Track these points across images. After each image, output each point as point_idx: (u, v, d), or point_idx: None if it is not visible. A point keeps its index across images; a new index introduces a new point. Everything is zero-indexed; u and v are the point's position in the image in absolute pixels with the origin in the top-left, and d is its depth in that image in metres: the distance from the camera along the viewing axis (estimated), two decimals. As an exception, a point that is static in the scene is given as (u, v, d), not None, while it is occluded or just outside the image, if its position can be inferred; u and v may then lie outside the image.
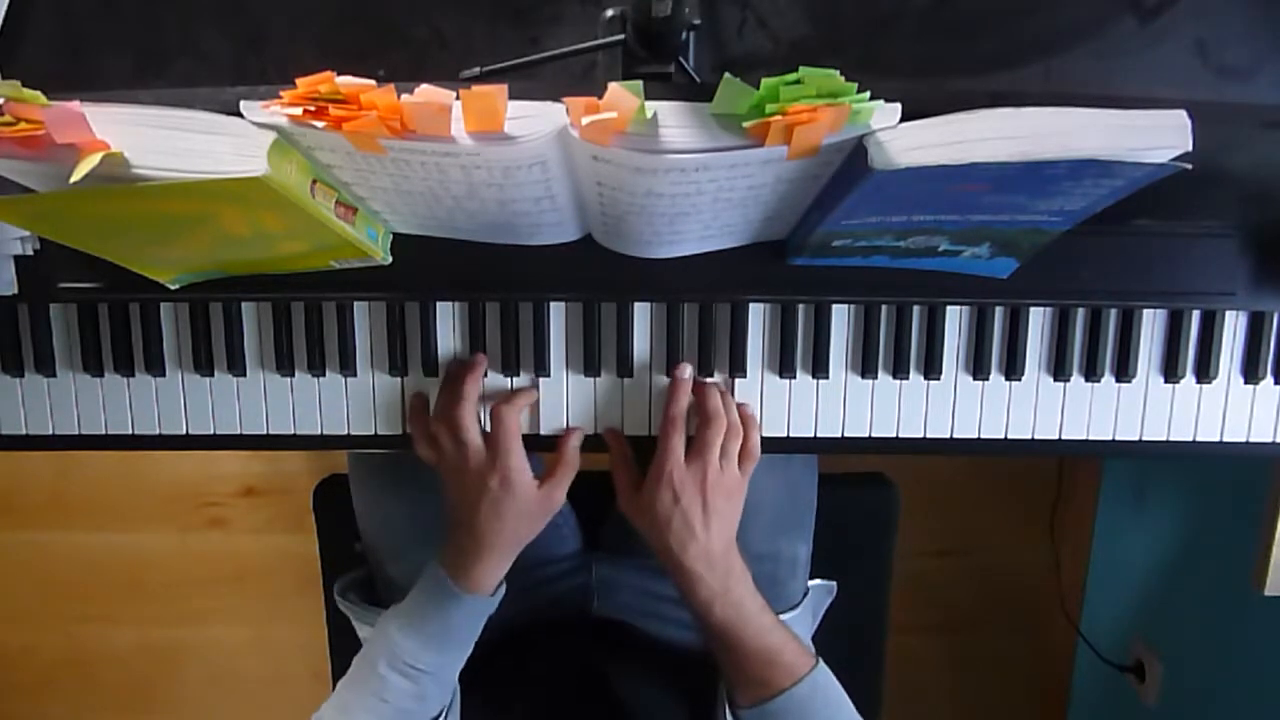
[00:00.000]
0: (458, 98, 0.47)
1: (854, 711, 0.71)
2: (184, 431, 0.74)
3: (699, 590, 0.69)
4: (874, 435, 0.74)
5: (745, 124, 0.46)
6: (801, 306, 0.72)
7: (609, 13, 0.59)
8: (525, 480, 0.69)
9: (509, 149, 0.49)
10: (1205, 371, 0.73)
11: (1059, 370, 0.73)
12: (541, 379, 0.73)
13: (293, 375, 0.73)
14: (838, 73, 0.46)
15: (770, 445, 0.74)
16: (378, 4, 0.64)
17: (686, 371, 0.71)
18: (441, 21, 0.64)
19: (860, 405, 0.74)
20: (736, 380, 0.73)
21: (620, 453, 0.73)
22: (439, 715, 0.72)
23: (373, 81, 0.48)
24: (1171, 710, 1.33)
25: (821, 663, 0.71)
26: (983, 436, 0.74)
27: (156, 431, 0.74)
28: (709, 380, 0.72)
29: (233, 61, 0.64)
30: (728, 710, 0.73)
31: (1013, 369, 0.73)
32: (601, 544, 0.94)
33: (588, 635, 0.87)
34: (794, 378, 0.73)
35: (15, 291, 0.69)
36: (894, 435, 0.74)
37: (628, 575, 0.90)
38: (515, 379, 0.72)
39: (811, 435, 0.74)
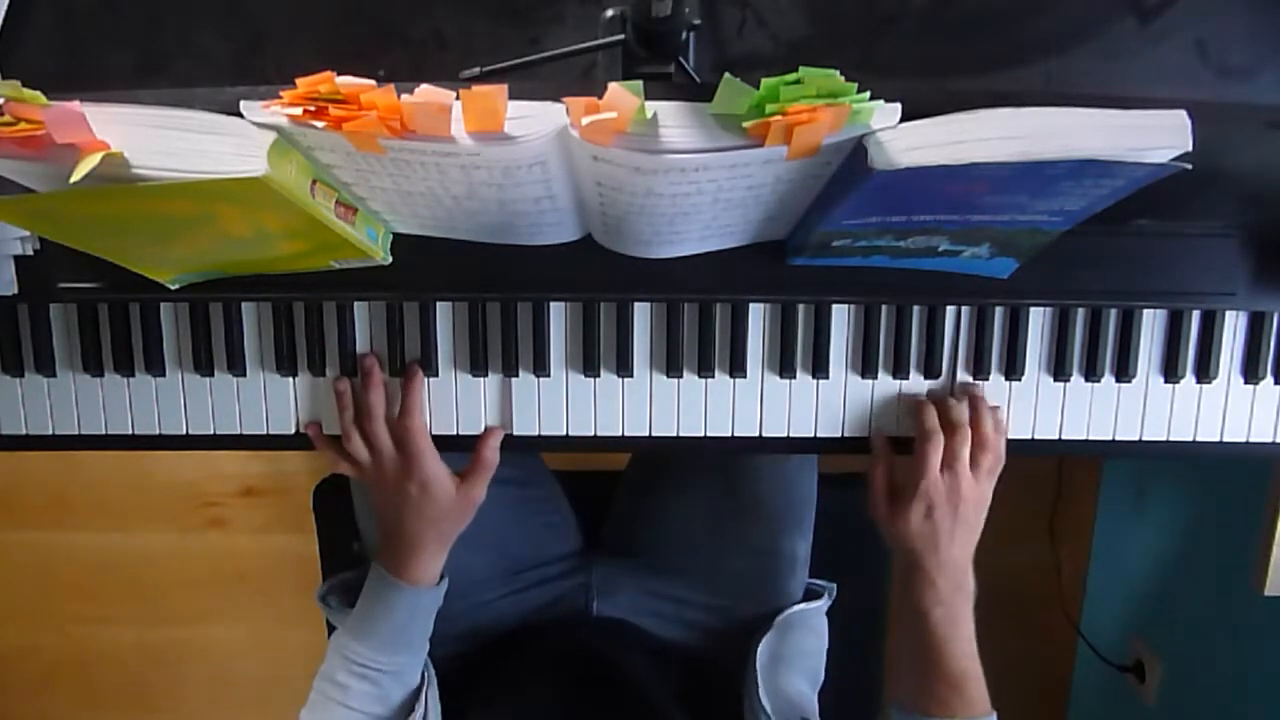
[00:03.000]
0: (458, 98, 0.47)
1: None
2: (184, 431, 0.74)
3: (926, 594, 0.70)
4: (874, 435, 0.74)
5: (745, 124, 0.46)
6: (801, 306, 0.72)
7: (609, 13, 0.59)
8: (442, 482, 0.71)
9: (509, 149, 0.49)
10: (1205, 371, 0.73)
11: (1059, 370, 0.73)
12: (541, 379, 0.73)
13: (293, 375, 0.73)
14: (838, 73, 0.46)
15: (770, 445, 0.74)
16: (378, 4, 0.64)
17: (930, 395, 0.72)
18: (441, 21, 0.64)
19: (860, 405, 0.74)
20: (736, 380, 0.73)
21: (884, 457, 0.73)
22: (411, 713, 0.73)
23: (373, 81, 0.48)
24: (1171, 710, 1.33)
25: (995, 717, 0.72)
26: (983, 436, 0.74)
27: (156, 431, 0.74)
28: (954, 394, 0.72)
29: (233, 61, 0.64)
30: (759, 682, 0.73)
31: (1013, 369, 0.73)
32: (602, 544, 0.94)
33: (588, 635, 0.87)
34: (794, 378, 0.73)
35: (15, 291, 0.69)
36: (894, 435, 0.74)
37: (628, 575, 0.90)
38: (514, 379, 0.72)
39: (811, 435, 0.74)
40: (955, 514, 0.69)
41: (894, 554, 0.73)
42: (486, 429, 0.73)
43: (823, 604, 0.87)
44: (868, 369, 0.73)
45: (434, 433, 0.72)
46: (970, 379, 0.73)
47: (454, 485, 0.71)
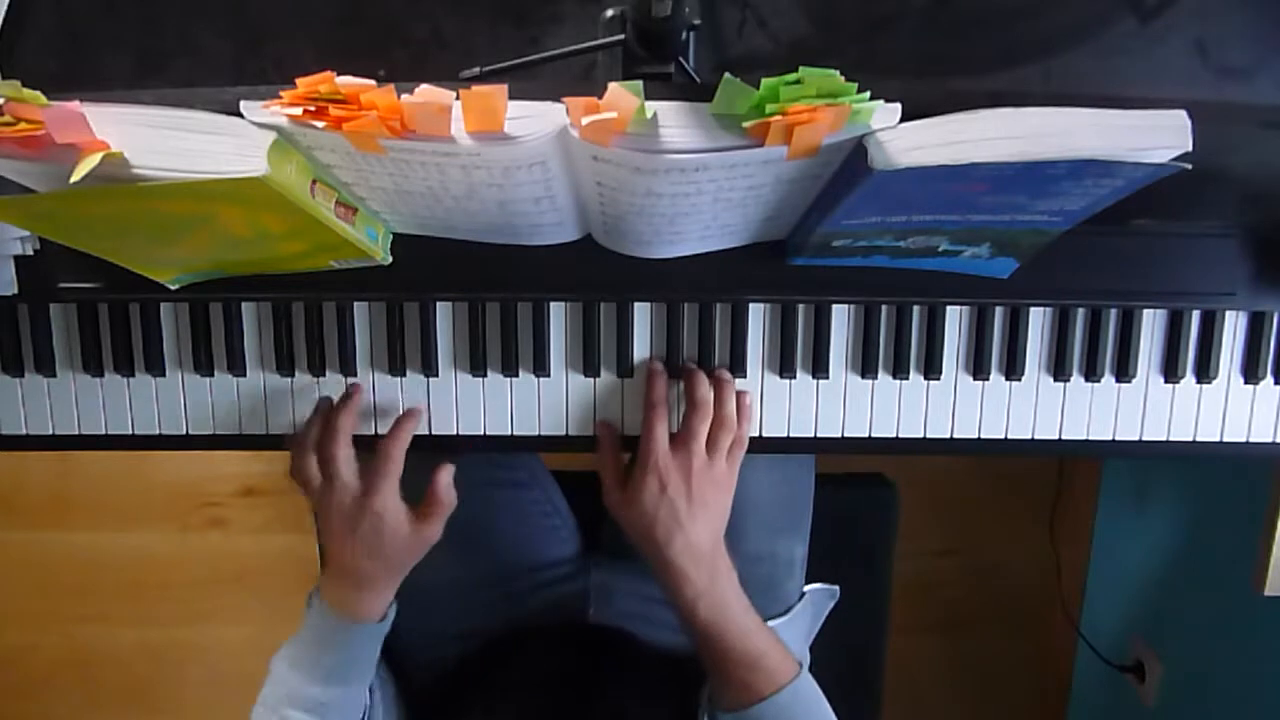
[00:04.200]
0: (458, 98, 0.47)
1: None
2: (184, 431, 0.74)
3: (684, 588, 0.68)
4: (874, 435, 0.74)
5: (745, 124, 0.46)
6: (801, 306, 0.72)
7: (609, 13, 0.59)
8: (396, 520, 0.67)
9: (509, 149, 0.49)
10: (1205, 371, 0.73)
11: (1059, 370, 0.73)
12: (541, 379, 0.73)
13: (293, 375, 0.73)
14: (838, 73, 0.46)
15: (770, 445, 0.74)
16: (378, 4, 0.64)
17: (659, 365, 0.71)
18: (441, 21, 0.64)
19: (860, 405, 0.74)
20: (736, 380, 0.73)
21: (610, 445, 0.72)
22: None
23: (373, 81, 0.48)
24: (1171, 710, 1.33)
25: (805, 671, 0.70)
26: (983, 436, 0.74)
27: (156, 431, 0.74)
28: (699, 370, 0.71)
29: (233, 61, 0.64)
30: (707, 714, 0.72)
31: (1013, 369, 0.73)
32: (600, 548, 0.94)
33: (584, 641, 0.87)
34: (794, 378, 0.73)
35: (15, 291, 0.69)
36: (894, 435, 0.74)
37: (625, 580, 0.89)
38: (514, 379, 0.72)
39: (811, 435, 0.74)
40: (691, 493, 0.67)
41: (643, 554, 0.70)
42: (436, 465, 0.71)
43: (793, 616, 0.86)
44: (868, 369, 0.73)
45: (434, 433, 0.72)
46: (970, 379, 0.73)
47: (409, 522, 0.68)
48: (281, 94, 0.48)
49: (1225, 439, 0.75)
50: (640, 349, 0.72)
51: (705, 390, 0.69)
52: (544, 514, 0.92)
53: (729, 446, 0.69)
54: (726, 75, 0.47)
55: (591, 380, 0.73)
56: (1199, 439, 0.75)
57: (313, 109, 0.48)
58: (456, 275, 0.69)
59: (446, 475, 0.71)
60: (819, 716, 0.70)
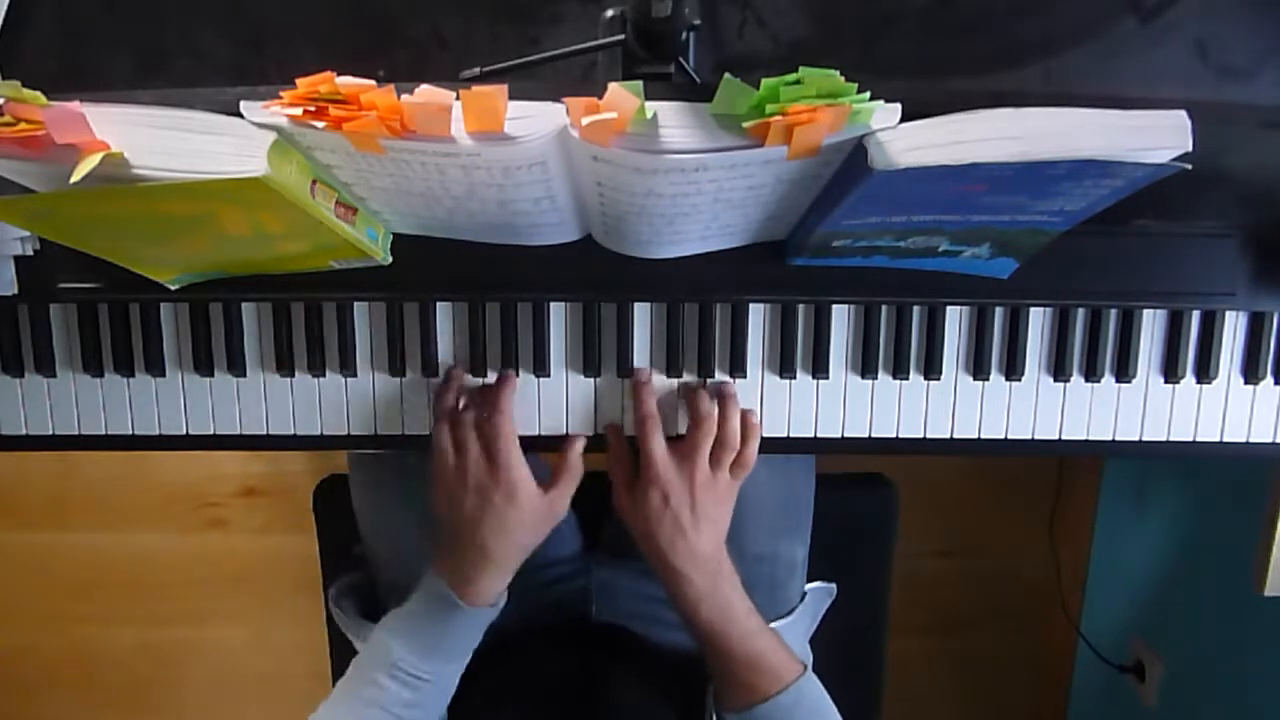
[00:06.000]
0: (458, 98, 0.47)
1: None
2: (184, 431, 0.74)
3: (686, 591, 0.69)
4: (874, 435, 0.74)
5: (745, 124, 0.46)
6: (801, 306, 0.72)
7: (609, 13, 0.59)
8: (529, 490, 0.68)
9: (509, 149, 0.49)
10: (1205, 372, 0.73)
11: (1059, 370, 0.73)
12: (541, 379, 0.73)
13: (293, 375, 0.73)
14: (838, 73, 0.46)
15: (770, 445, 0.74)
16: (378, 4, 0.64)
17: (644, 375, 0.71)
18: (441, 21, 0.64)
19: (860, 405, 0.74)
20: (736, 380, 0.73)
21: (618, 449, 0.72)
22: None
23: (373, 81, 0.48)
24: (1171, 710, 1.33)
25: (809, 671, 0.71)
26: (983, 436, 0.74)
27: (156, 431, 0.74)
28: (705, 382, 0.72)
29: (233, 61, 0.64)
30: (714, 715, 0.73)
31: (1013, 369, 0.73)
32: (602, 546, 0.94)
33: (586, 640, 0.87)
34: (794, 378, 0.73)
35: (15, 291, 0.69)
36: (894, 435, 0.74)
37: (628, 579, 0.89)
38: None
39: (811, 435, 0.74)
40: (694, 505, 0.68)
41: (646, 557, 0.71)
42: (569, 435, 0.72)
43: (795, 617, 0.86)
44: (868, 369, 0.73)
45: (425, 433, 0.72)
46: (970, 379, 0.73)
47: (539, 494, 0.69)
48: (281, 94, 0.48)
49: (1225, 439, 0.75)
50: (640, 349, 0.72)
51: (708, 405, 0.70)
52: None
53: (731, 463, 0.70)
54: (726, 75, 0.47)
55: (591, 380, 0.73)
56: (1199, 439, 0.75)
57: (313, 109, 0.48)
58: (456, 275, 0.69)
59: (579, 445, 0.71)
60: (823, 716, 0.71)
